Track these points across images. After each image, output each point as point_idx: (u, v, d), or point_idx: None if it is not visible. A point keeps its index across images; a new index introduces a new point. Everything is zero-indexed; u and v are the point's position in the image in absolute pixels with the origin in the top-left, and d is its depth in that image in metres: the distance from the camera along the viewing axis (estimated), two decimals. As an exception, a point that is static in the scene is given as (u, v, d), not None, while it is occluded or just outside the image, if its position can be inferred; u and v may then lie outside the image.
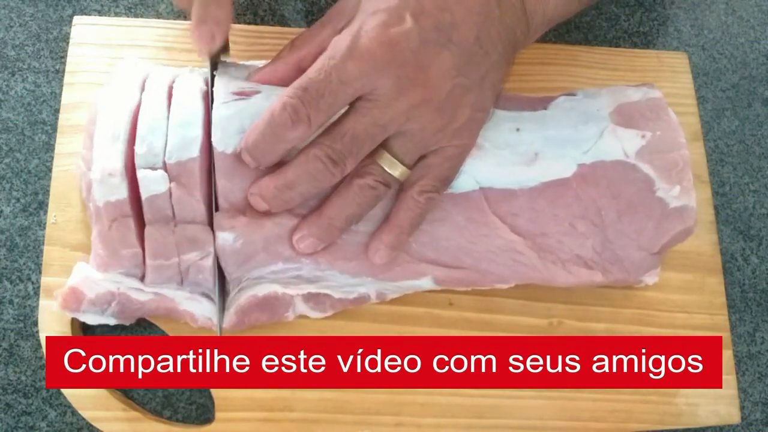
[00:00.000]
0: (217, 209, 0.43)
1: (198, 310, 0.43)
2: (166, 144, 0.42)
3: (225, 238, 0.42)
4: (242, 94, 0.42)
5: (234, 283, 0.44)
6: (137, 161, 0.42)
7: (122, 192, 0.42)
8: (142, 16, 0.54)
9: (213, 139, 0.42)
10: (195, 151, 0.42)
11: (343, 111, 0.40)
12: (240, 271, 0.43)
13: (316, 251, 0.43)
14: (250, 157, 0.41)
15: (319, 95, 0.38)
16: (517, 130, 0.45)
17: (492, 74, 0.42)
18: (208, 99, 0.43)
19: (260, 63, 0.46)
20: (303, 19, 0.56)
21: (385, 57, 0.38)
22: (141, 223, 0.42)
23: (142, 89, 0.44)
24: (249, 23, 0.55)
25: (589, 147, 0.46)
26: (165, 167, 0.42)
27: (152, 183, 0.41)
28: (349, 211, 0.42)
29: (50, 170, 0.48)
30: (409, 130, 0.40)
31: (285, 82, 0.42)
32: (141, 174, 0.41)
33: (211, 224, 0.43)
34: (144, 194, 0.42)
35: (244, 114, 0.42)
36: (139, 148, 0.42)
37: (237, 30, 0.52)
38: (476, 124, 0.42)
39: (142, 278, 0.43)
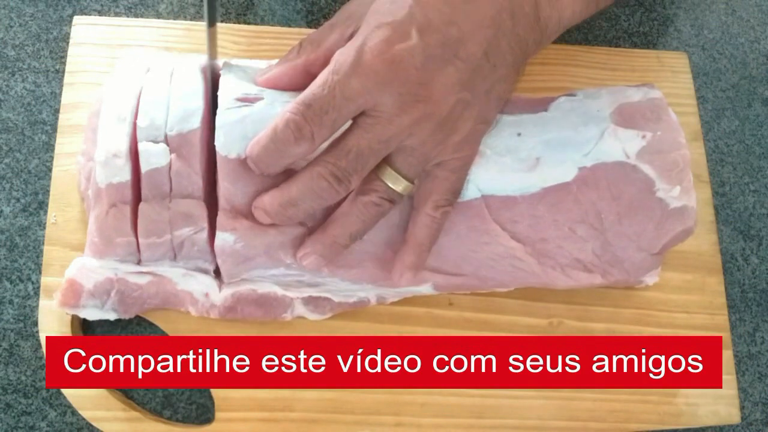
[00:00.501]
0: (216, 203, 0.43)
1: (196, 288, 0.43)
2: (168, 118, 0.42)
3: (225, 238, 0.42)
4: (246, 101, 0.42)
5: (230, 277, 0.44)
6: (139, 134, 0.42)
7: (125, 174, 0.42)
8: (142, 16, 0.54)
9: (216, 144, 0.42)
10: (196, 122, 0.42)
11: (346, 126, 0.40)
12: (238, 269, 0.43)
13: (320, 268, 0.43)
14: (254, 166, 0.41)
15: (322, 111, 0.38)
16: (518, 134, 0.45)
17: (498, 87, 0.41)
18: (207, 71, 0.44)
19: (263, 63, 0.46)
20: (303, 19, 0.56)
21: (389, 74, 0.38)
22: (138, 209, 0.43)
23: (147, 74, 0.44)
24: (249, 23, 0.55)
25: (589, 149, 0.46)
26: (166, 141, 0.42)
27: (153, 156, 0.42)
28: (353, 229, 0.42)
29: (50, 170, 0.48)
30: (410, 145, 0.40)
31: (292, 86, 0.41)
32: (142, 147, 0.42)
33: (206, 200, 0.43)
34: (144, 168, 0.42)
35: (247, 121, 0.42)
36: (141, 122, 0.42)
37: (237, 30, 0.53)
38: (477, 136, 0.42)
39: (138, 263, 0.43)
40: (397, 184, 0.41)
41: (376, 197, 0.41)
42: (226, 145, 0.42)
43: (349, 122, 0.40)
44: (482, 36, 0.39)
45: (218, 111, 0.42)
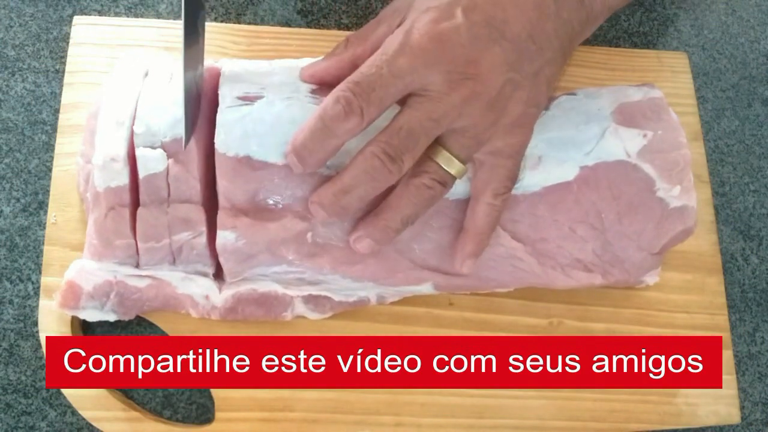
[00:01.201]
0: (216, 207, 0.43)
1: (196, 292, 0.43)
2: (164, 124, 0.42)
3: (226, 236, 0.42)
4: (247, 99, 0.42)
5: (233, 276, 0.44)
6: (136, 141, 0.42)
7: (123, 178, 0.42)
8: (142, 16, 0.54)
9: (216, 141, 0.42)
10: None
11: (395, 113, 0.40)
12: (241, 267, 0.43)
13: (372, 251, 0.43)
14: (296, 159, 0.40)
15: (370, 88, 0.38)
16: None
17: (546, 70, 0.42)
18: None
19: (263, 62, 0.46)
20: (303, 19, 0.56)
21: (436, 52, 0.39)
22: (136, 212, 0.43)
23: (146, 78, 0.44)
24: (249, 23, 0.55)
25: (591, 148, 0.46)
26: (164, 146, 0.42)
27: (150, 161, 0.42)
28: (405, 213, 0.42)
29: (50, 170, 0.48)
30: (462, 127, 0.40)
31: (339, 81, 0.41)
32: (140, 152, 0.42)
33: (205, 204, 0.43)
34: (142, 173, 0.42)
35: (247, 119, 0.42)
36: (138, 128, 0.42)
37: (237, 30, 0.52)
38: (530, 120, 0.42)
39: (136, 266, 0.43)
40: (450, 165, 0.41)
41: (428, 179, 0.41)
42: (225, 143, 0.42)
43: (398, 108, 0.40)
44: (526, 18, 0.40)
45: (219, 109, 0.42)
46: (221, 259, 0.43)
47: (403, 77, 0.38)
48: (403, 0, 0.43)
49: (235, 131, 0.42)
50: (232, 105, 0.42)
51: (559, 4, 0.41)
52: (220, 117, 0.42)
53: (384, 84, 0.38)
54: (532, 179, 0.45)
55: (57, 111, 0.50)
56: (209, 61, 0.46)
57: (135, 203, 0.43)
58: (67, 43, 0.51)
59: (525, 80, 0.41)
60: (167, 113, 0.42)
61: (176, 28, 0.52)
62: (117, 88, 0.44)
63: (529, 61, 0.41)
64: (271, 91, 0.43)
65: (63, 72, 0.50)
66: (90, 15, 0.53)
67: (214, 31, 0.52)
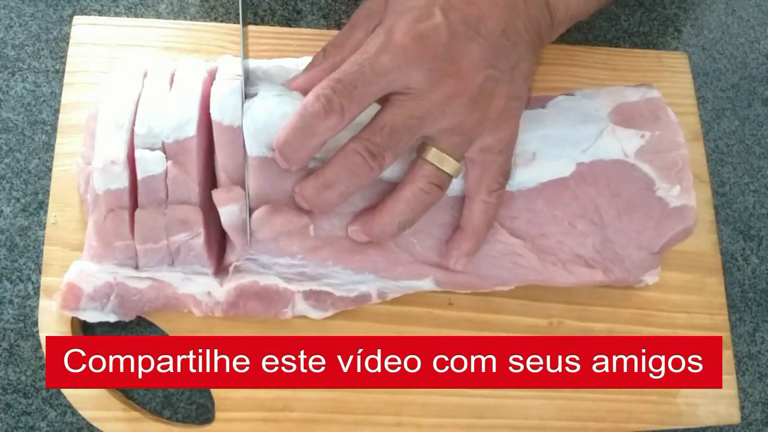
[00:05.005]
0: (213, 210, 0.43)
1: (198, 291, 0.43)
2: (164, 126, 0.42)
3: (229, 211, 0.42)
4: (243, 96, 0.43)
5: (242, 255, 0.44)
6: (136, 142, 0.42)
7: (123, 180, 0.42)
8: (142, 16, 0.54)
9: (212, 111, 0.42)
10: (191, 130, 0.42)
11: (375, 111, 0.40)
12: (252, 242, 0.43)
13: (366, 241, 0.44)
14: (281, 156, 0.41)
15: (352, 86, 0.39)
16: None
17: (522, 64, 0.43)
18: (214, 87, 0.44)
19: (262, 62, 0.46)
20: (302, 19, 0.56)
21: (417, 50, 0.39)
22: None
23: (145, 78, 0.45)
24: (249, 23, 0.55)
25: (587, 146, 0.46)
26: (164, 148, 0.42)
27: (149, 163, 0.42)
28: (401, 218, 0.42)
29: (50, 170, 0.48)
30: (450, 126, 0.41)
31: None
32: (139, 154, 0.42)
33: (202, 206, 0.43)
34: (140, 174, 0.42)
35: (239, 92, 0.42)
36: (139, 129, 0.42)
37: (237, 30, 0.52)
38: (513, 113, 0.43)
39: (136, 268, 0.43)
40: (444, 164, 0.41)
41: (425, 183, 0.41)
42: (221, 112, 0.42)
43: (378, 106, 0.40)
44: (499, 15, 0.41)
45: (214, 83, 0.43)
46: (231, 236, 0.43)
47: (385, 75, 0.39)
48: (374, 3, 0.43)
49: (229, 102, 0.42)
50: (227, 78, 0.42)
51: (527, 3, 0.43)
52: (214, 90, 0.42)
53: (366, 81, 0.39)
54: (527, 175, 0.45)
55: (57, 111, 0.50)
56: (209, 62, 0.46)
57: (134, 205, 0.43)
58: (67, 43, 0.51)
59: (503, 75, 0.41)
60: (169, 115, 0.42)
61: (176, 28, 0.52)
62: (116, 89, 0.44)
63: (505, 57, 0.41)
64: (264, 88, 0.43)
65: (63, 72, 0.50)
66: (90, 15, 0.53)
67: (213, 31, 0.52)
